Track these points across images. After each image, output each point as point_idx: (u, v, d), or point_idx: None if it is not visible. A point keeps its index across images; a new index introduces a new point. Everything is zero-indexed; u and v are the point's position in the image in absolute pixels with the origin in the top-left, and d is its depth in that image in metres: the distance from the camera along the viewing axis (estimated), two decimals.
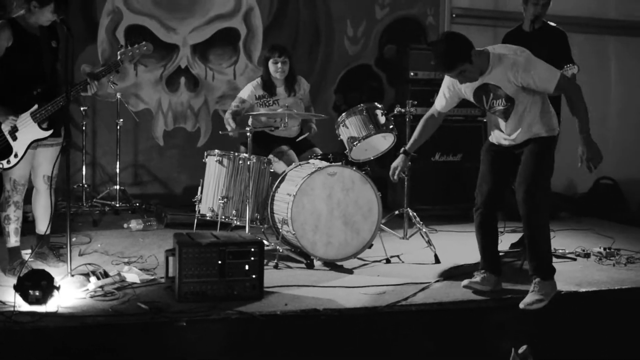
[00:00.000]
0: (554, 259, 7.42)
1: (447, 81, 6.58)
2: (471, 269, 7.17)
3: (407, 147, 6.86)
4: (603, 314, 6.77)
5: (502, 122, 6.46)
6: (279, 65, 8.70)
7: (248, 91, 8.83)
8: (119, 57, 7.16)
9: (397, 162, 6.89)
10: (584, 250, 8.17)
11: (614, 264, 7.82)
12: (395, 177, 6.82)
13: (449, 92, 6.60)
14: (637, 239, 9.07)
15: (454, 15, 11.60)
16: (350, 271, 7.31)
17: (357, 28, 11.22)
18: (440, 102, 6.69)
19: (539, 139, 6.39)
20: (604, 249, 8.19)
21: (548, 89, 6.16)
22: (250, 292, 6.15)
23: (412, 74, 10.38)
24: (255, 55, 10.75)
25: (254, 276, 6.17)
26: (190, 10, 10.49)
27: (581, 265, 7.75)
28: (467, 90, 6.43)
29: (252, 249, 6.18)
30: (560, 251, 8.07)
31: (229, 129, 8.47)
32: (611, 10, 12.49)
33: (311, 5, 11.02)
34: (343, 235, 7.41)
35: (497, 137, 6.62)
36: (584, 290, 6.79)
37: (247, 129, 7.83)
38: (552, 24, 8.31)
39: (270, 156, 8.48)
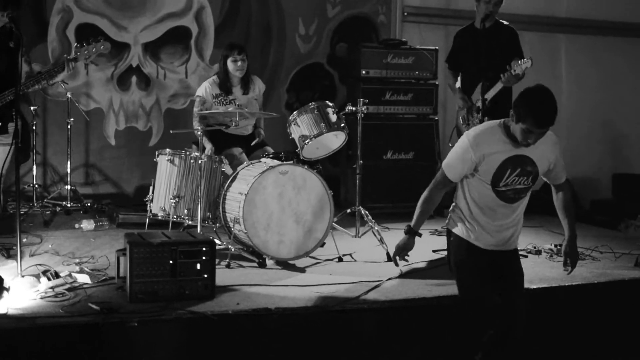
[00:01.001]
0: None
1: (468, 152, 5.62)
2: (422, 267, 7.26)
3: (412, 225, 5.91)
4: (554, 310, 6.85)
5: (500, 208, 5.76)
6: (239, 63, 8.71)
7: (204, 89, 8.82)
8: (73, 54, 7.12)
9: (404, 243, 5.92)
10: (535, 247, 8.25)
11: None
12: (401, 260, 5.95)
13: (468, 163, 5.66)
14: (588, 236, 9.16)
15: (405, 14, 11.63)
16: (302, 270, 7.33)
17: (309, 26, 11.22)
18: (454, 175, 5.74)
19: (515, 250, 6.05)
20: (555, 245, 8.25)
21: (562, 177, 5.95)
22: (202, 291, 6.14)
23: (363, 72, 10.40)
24: (206, 53, 10.71)
25: (205, 276, 6.15)
26: (142, 8, 10.44)
27: (532, 262, 7.82)
28: (494, 159, 5.63)
29: (204, 249, 6.17)
30: None
31: (208, 147, 8.47)
32: (562, 8, 12.58)
33: (263, 4, 10.99)
34: (295, 233, 7.41)
35: (483, 239, 5.81)
36: (535, 287, 6.86)
37: (198, 127, 7.83)
38: (504, 22, 8.39)
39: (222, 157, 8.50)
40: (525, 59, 7.79)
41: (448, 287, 6.59)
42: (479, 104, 8.00)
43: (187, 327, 5.70)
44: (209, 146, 8.46)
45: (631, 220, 9.86)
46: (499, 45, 8.14)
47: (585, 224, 10.17)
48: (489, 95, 7.93)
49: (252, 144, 8.75)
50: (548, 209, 10.85)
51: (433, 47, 10.78)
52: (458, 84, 8.47)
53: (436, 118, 10.65)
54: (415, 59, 10.59)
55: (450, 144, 8.56)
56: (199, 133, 7.78)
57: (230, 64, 8.75)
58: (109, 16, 10.28)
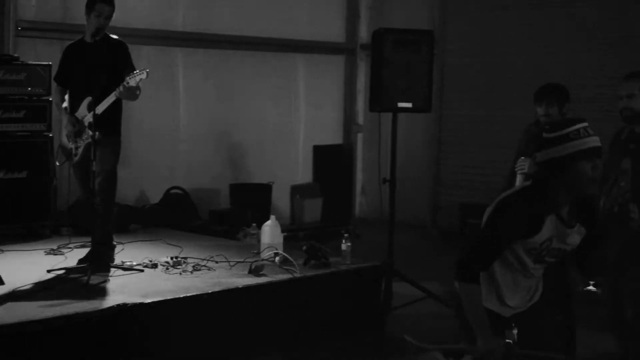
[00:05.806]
0: (121, 272, 7.59)
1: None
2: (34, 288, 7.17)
3: None
4: (171, 323, 6.91)
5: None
6: None
7: None
8: None
9: None
10: (151, 261, 8.24)
11: (180, 272, 7.98)
12: None
13: None
14: (205, 247, 9.31)
15: (19, 29, 11.27)
16: None
17: None
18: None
19: None
20: (172, 258, 8.33)
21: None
22: None
23: None
24: None
25: None
26: None
27: (148, 275, 7.82)
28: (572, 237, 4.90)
29: None
30: (128, 263, 8.11)
31: None
32: (178, 22, 12.72)
33: None
34: None
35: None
36: (150, 300, 6.88)
37: None
38: (114, 36, 8.35)
39: None
40: (139, 71, 7.81)
41: (62, 308, 6.52)
42: (89, 118, 7.91)
43: None
44: None
45: (248, 229, 10.12)
46: (109, 58, 8.11)
47: (204, 235, 10.38)
48: (100, 109, 7.84)
49: None
50: (168, 221, 11.07)
51: (46, 63, 10.55)
52: (65, 104, 8.34)
53: (50, 135, 10.39)
54: (27, 75, 10.29)
55: (57, 163, 8.45)
56: None
57: None
58: None
